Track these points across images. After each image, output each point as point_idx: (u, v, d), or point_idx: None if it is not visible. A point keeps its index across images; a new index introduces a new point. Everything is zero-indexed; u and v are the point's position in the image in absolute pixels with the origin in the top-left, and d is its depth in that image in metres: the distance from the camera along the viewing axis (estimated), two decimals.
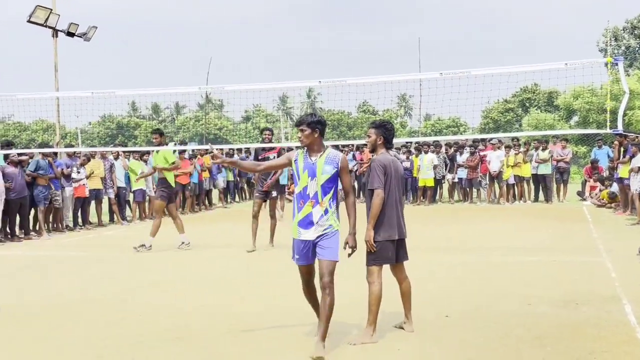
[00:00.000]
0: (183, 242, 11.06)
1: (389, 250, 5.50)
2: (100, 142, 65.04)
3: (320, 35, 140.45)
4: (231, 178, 20.81)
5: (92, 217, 15.39)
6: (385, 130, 5.63)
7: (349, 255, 5.26)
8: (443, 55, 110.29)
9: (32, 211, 13.62)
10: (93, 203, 15.29)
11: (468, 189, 19.57)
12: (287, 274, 8.60)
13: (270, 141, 11.10)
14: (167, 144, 12.12)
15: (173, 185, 11.32)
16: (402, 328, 5.79)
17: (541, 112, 45.54)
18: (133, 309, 6.82)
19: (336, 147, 21.96)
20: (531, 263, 9.17)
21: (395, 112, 75.50)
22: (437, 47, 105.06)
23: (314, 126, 5.23)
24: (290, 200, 20.66)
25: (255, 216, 10.78)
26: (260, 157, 10.85)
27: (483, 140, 20.54)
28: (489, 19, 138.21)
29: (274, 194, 10.85)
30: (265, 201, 10.94)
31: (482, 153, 19.30)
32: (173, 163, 11.15)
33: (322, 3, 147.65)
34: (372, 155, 5.68)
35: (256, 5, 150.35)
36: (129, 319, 6.42)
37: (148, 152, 16.80)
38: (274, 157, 10.71)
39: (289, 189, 21.36)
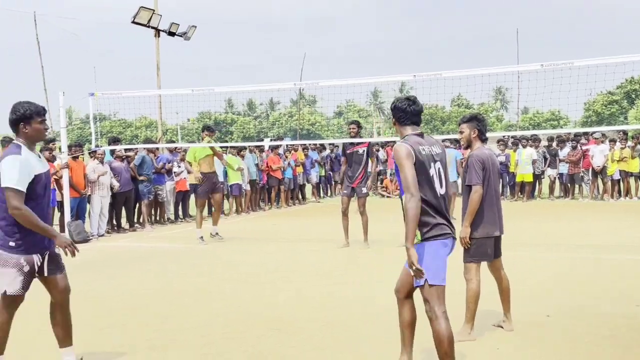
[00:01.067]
0: (217, 234, 12.00)
1: (487, 247, 5.38)
2: (199, 138, 67.34)
3: (411, 28, 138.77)
4: (323, 173, 21.00)
5: (192, 210, 15.93)
6: (478, 122, 5.48)
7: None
8: (541, 46, 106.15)
9: (137, 205, 14.29)
10: (192, 197, 15.83)
11: (569, 185, 18.79)
12: (383, 267, 8.63)
13: (356, 135, 10.88)
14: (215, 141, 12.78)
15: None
16: (501, 327, 5.64)
17: None
18: (231, 300, 7.02)
19: None
20: (637, 262, 8.70)
21: (490, 105, 73.56)
22: (535, 38, 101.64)
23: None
24: (383, 196, 20.72)
25: (345, 213, 10.72)
26: (347, 152, 10.76)
27: (585, 134, 19.67)
28: (590, 6, 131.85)
29: (364, 190, 10.74)
30: (351, 198, 10.78)
31: (584, 147, 18.47)
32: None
33: None
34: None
35: (346, 1, 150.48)
36: (229, 309, 6.62)
37: (245, 148, 17.23)
38: (363, 152, 10.64)
39: (382, 184, 21.39)
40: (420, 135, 4.27)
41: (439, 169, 4.19)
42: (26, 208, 4.23)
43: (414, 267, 3.95)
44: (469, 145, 5.50)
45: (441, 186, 4.20)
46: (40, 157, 4.49)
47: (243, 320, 6.16)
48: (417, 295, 4.29)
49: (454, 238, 4.23)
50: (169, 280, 8.27)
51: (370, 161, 10.77)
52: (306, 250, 10.46)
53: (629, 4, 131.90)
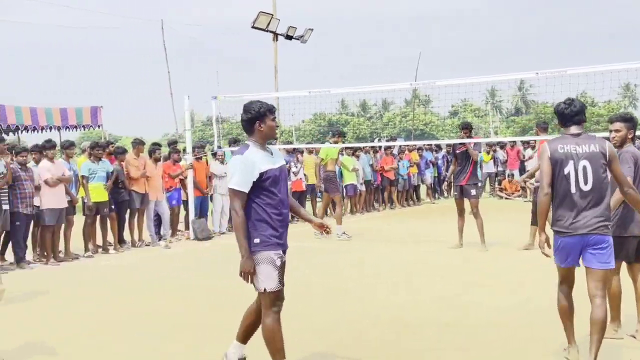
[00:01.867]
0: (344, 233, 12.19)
1: (631, 246, 5.19)
2: (313, 139, 68.32)
3: (531, 24, 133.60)
4: (436, 174, 20.70)
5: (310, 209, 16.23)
6: (634, 124, 5.26)
7: None
8: None
9: None
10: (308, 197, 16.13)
11: None
12: (498, 269, 8.40)
13: (469, 138, 10.69)
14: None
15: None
16: (634, 337, 5.31)
17: None
18: (355, 299, 7.08)
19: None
20: None
21: (617, 102, 69.41)
22: None
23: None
24: (501, 197, 20.10)
25: (460, 214, 10.60)
26: (457, 152, 10.64)
27: None
28: None
29: (473, 192, 10.50)
30: (464, 198, 10.58)
31: None
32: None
33: None
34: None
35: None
36: (351, 307, 6.68)
37: (360, 148, 17.33)
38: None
39: (500, 185, 20.74)
40: (577, 134, 4.60)
41: (584, 166, 4.47)
42: (242, 214, 4.27)
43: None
44: (621, 145, 5.21)
45: (585, 183, 4.46)
46: (272, 154, 4.44)
47: (365, 319, 6.20)
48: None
49: (584, 235, 4.46)
50: (296, 279, 8.46)
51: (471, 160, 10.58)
52: (421, 251, 10.36)
53: None
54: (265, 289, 4.34)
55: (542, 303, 6.21)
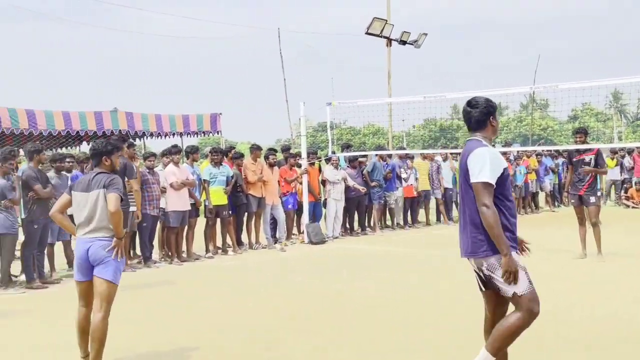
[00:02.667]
0: None
1: None
2: (424, 145, 67.57)
3: None
4: (557, 181, 19.82)
5: (421, 216, 16.04)
6: None
7: None
8: None
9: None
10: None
11: None
12: (621, 282, 7.90)
13: (583, 143, 10.17)
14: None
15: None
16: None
17: None
18: (471, 308, 6.92)
19: None
20: None
21: None
22: None
23: None
24: (628, 206, 18.91)
25: (581, 223, 10.11)
26: (574, 160, 10.16)
27: None
28: None
29: (592, 200, 9.94)
30: (583, 206, 10.08)
31: None
32: None
33: None
34: None
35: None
36: (467, 319, 6.54)
37: None
38: (590, 160, 9.95)
39: (626, 193, 19.51)
40: None
41: None
42: (494, 209, 3.98)
43: None
44: None
45: None
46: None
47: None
48: None
49: None
50: (410, 284, 8.41)
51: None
52: (541, 260, 9.94)
53: None
54: (516, 293, 4.03)
55: None
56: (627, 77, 11.26)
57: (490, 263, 4.06)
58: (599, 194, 10.15)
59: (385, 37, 21.03)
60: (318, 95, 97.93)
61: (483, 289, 4.27)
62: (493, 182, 4.00)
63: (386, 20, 20.77)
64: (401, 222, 15.37)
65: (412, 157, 15.74)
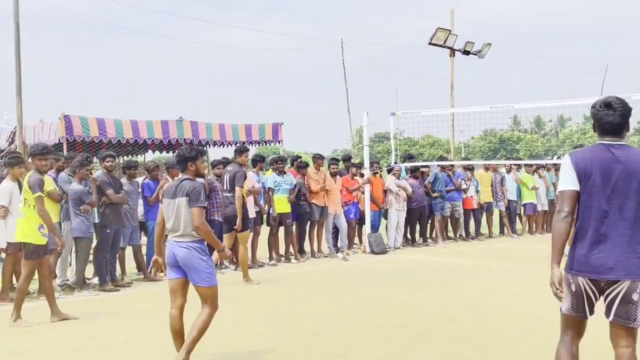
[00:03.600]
0: None
1: None
2: (483, 156, 66.50)
3: None
4: None
5: (483, 228, 15.79)
6: None
7: None
8: None
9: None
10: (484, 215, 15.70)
11: None
12: None
13: None
14: None
15: None
16: None
17: None
18: (516, 320, 6.80)
19: None
20: None
21: None
22: None
23: None
24: None
25: None
26: None
27: None
28: None
29: None
30: None
31: None
32: None
33: None
34: None
35: None
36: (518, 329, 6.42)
37: (543, 166, 16.62)
38: None
39: None
40: None
41: None
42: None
43: None
44: None
45: None
46: None
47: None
48: None
49: None
50: (469, 295, 8.31)
51: None
52: None
53: None
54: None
55: None
56: None
57: None
58: None
59: (448, 48, 20.90)
60: (378, 105, 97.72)
61: (588, 314, 3.80)
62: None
63: (450, 31, 20.64)
64: (464, 234, 15.17)
65: (472, 169, 15.54)
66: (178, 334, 5.25)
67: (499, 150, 68.57)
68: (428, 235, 14.57)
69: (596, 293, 3.71)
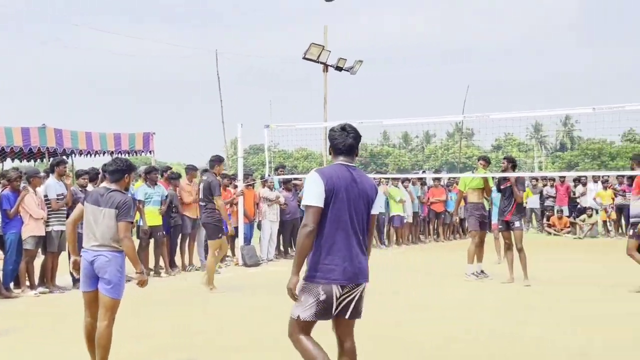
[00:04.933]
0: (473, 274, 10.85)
1: None
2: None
3: (585, 58, 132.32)
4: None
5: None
6: None
7: None
8: None
9: None
10: None
11: None
12: (542, 306, 8.26)
13: (505, 170, 10.66)
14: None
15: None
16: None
17: None
18: (403, 333, 7.04)
19: (597, 178, 20.43)
20: None
21: None
22: None
23: None
24: (550, 233, 19.75)
25: (508, 247, 10.54)
26: (502, 187, 10.64)
27: None
28: None
29: (517, 224, 10.38)
30: (509, 231, 10.50)
31: None
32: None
33: (587, 23, 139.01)
34: None
35: (518, 29, 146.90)
36: (401, 341, 6.65)
37: (408, 179, 17.37)
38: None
39: (548, 221, 20.35)
40: None
41: None
42: None
43: None
44: None
45: None
46: None
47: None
48: None
49: None
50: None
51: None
52: (474, 286, 10.25)
53: None
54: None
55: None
56: (546, 110, 11.87)
57: None
58: (522, 219, 10.60)
59: (322, 63, 21.35)
60: (253, 117, 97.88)
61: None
62: None
63: (323, 46, 21.11)
64: None
65: None
66: (93, 341, 5.17)
67: (370, 164, 70.86)
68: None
69: (339, 297, 4.10)
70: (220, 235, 9.77)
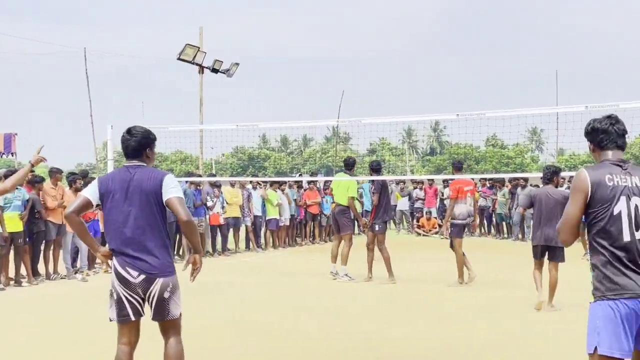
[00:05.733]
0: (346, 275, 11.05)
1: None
2: (233, 173, 67.92)
3: (445, 66, 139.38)
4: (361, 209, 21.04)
5: (230, 244, 16.07)
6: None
7: None
8: (576, 88, 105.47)
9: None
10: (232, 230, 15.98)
11: None
12: (410, 304, 8.63)
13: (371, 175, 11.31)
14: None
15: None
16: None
17: None
18: (281, 333, 7.06)
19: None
20: None
21: (525, 146, 73.03)
22: (574, 79, 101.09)
23: None
24: (419, 234, 20.63)
25: (369, 247, 11.00)
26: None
27: None
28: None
29: (377, 227, 10.87)
30: (372, 234, 10.96)
31: None
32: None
33: (453, 35, 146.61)
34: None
35: (390, 39, 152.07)
36: (279, 342, 6.66)
37: (285, 182, 17.47)
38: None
39: (418, 222, 21.24)
40: (622, 163, 3.49)
41: (636, 205, 3.38)
42: None
43: None
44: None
45: (636, 229, 3.36)
46: None
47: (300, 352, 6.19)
48: None
49: None
50: (214, 313, 8.36)
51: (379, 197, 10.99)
52: (336, 285, 10.48)
53: None
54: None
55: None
56: (415, 116, 12.39)
57: None
58: (384, 221, 11.11)
59: (197, 64, 21.00)
60: (125, 119, 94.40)
61: (132, 317, 4.35)
62: None
63: (198, 48, 20.77)
64: (211, 250, 15.27)
65: (219, 185, 15.78)
66: None
67: (248, 167, 70.66)
68: (175, 252, 14.37)
69: (128, 295, 4.23)
70: None
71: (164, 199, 4.21)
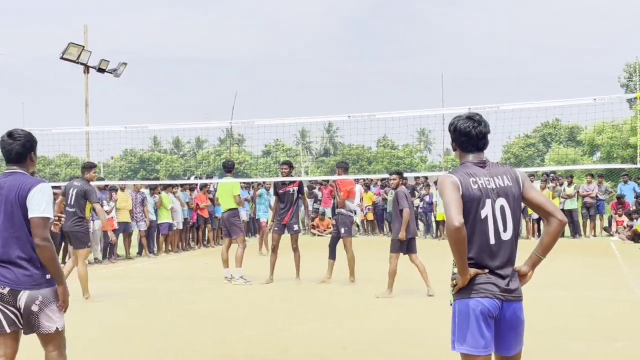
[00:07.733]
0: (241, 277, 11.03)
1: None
2: (123, 176, 65.76)
3: (337, 69, 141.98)
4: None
5: (120, 249, 15.53)
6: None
7: None
8: (460, 89, 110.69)
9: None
10: (121, 236, 15.45)
11: None
12: (313, 303, 8.71)
13: (287, 174, 11.14)
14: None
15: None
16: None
17: (563, 147, 45.49)
18: (174, 340, 6.89)
19: (356, 180, 22.06)
20: (564, 298, 9.11)
21: (414, 146, 75.59)
22: (455, 81, 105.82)
23: None
24: (314, 234, 20.84)
25: (274, 250, 10.99)
26: (280, 191, 11.02)
27: None
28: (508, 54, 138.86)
29: (295, 227, 10.96)
30: (281, 235, 11.01)
31: None
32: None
33: (340, 37, 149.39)
34: None
35: (280, 41, 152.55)
36: (173, 349, 6.49)
37: (178, 186, 17.09)
38: (294, 191, 10.94)
39: (312, 222, 21.44)
40: (483, 163, 3.56)
41: (501, 206, 3.46)
42: None
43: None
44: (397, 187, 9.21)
45: (504, 230, 3.50)
46: None
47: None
48: None
49: (506, 300, 3.61)
50: (102, 320, 8.04)
51: (301, 199, 11.34)
52: (236, 289, 10.41)
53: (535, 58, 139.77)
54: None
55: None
56: (307, 117, 12.55)
57: None
58: (306, 221, 11.19)
59: (82, 64, 20.12)
60: (3, 121, 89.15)
61: (7, 329, 4.09)
62: None
63: (83, 47, 19.90)
64: (99, 257, 14.68)
65: (116, 190, 15.24)
66: None
67: (139, 170, 68.58)
68: (61, 259, 13.69)
69: (10, 307, 4.02)
70: (89, 244, 9.60)
71: (29, 215, 4.00)
